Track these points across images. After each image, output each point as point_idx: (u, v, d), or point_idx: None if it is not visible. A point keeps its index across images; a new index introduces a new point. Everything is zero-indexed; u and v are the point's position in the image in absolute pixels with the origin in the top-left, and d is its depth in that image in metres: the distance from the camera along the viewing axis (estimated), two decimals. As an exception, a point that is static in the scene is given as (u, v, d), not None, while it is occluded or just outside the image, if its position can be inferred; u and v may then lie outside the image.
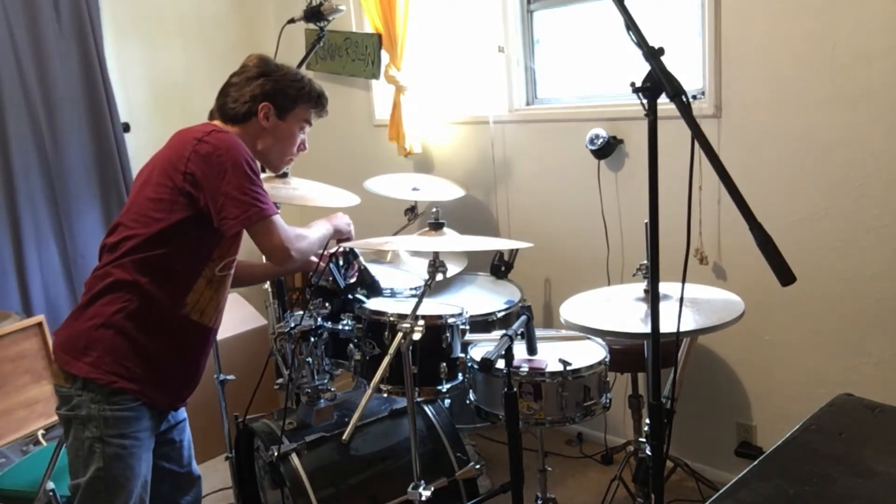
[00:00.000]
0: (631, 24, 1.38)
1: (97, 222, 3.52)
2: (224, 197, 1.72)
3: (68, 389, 1.76)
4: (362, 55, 3.67)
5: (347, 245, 2.23)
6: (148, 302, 1.77)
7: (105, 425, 1.74)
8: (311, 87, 2.01)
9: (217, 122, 1.94)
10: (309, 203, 2.57)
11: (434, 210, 2.34)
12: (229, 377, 2.61)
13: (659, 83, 1.35)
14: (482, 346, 2.26)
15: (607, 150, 2.88)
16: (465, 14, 3.43)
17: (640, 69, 1.37)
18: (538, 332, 2.17)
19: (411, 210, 3.23)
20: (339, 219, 2.17)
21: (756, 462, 1.28)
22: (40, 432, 2.57)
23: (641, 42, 1.37)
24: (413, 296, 2.53)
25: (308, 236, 1.97)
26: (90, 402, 1.73)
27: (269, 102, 1.92)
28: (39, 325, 2.72)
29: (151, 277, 1.76)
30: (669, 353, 2.10)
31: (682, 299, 1.56)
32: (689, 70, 2.70)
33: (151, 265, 1.76)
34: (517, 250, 3.00)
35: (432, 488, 2.02)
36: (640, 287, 2.14)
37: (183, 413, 2.08)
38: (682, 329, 1.68)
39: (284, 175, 2.48)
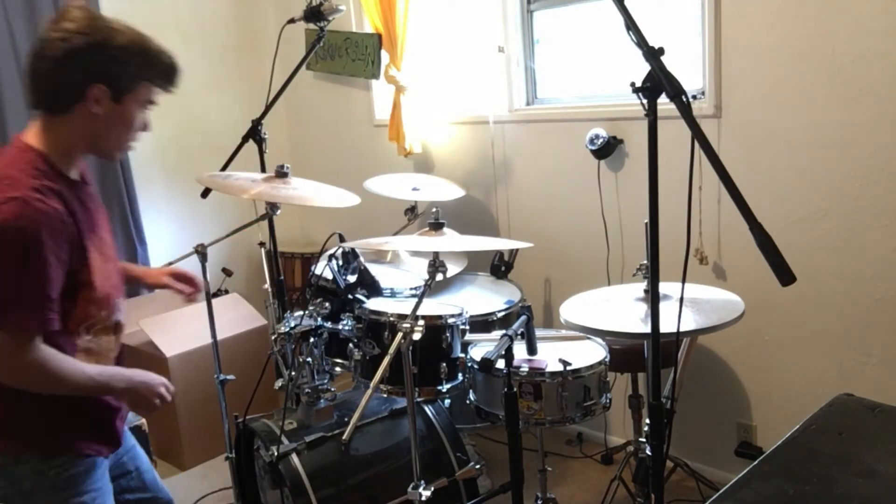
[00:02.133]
0: (631, 24, 1.38)
1: (97, 222, 3.51)
2: None
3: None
4: (362, 55, 3.67)
5: (347, 245, 2.23)
6: None
7: (57, 491, 1.55)
8: (158, 57, 1.53)
9: (35, 123, 1.52)
10: (309, 203, 2.56)
11: (434, 210, 2.33)
12: (229, 377, 2.61)
13: (659, 83, 1.35)
14: (482, 346, 2.26)
15: (607, 150, 2.88)
16: (465, 14, 3.43)
17: (640, 69, 1.37)
18: (538, 332, 2.17)
19: (411, 210, 3.23)
20: (142, 380, 1.63)
21: (756, 462, 1.28)
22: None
23: (641, 42, 1.37)
24: (413, 296, 2.53)
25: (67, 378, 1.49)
26: (31, 473, 1.53)
27: (103, 83, 1.46)
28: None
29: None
30: (669, 353, 2.10)
31: (682, 299, 1.56)
32: (689, 70, 2.70)
33: None
34: (517, 250, 3.00)
35: (432, 488, 2.01)
36: (640, 287, 2.14)
37: (130, 439, 1.85)
38: (682, 329, 1.68)
39: (284, 175, 2.47)
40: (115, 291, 1.63)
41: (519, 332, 1.96)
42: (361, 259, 2.41)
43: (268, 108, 2.66)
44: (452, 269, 2.78)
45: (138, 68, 1.50)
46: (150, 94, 1.56)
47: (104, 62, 1.46)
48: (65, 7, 1.47)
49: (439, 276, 2.05)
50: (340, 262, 2.42)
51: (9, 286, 1.38)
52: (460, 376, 2.25)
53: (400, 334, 1.97)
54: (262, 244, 2.86)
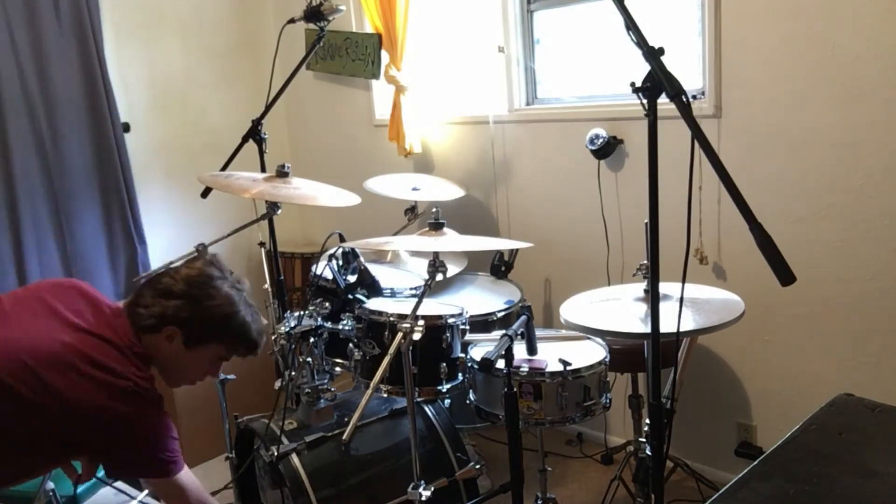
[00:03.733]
0: (631, 24, 1.38)
1: (97, 222, 3.51)
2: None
3: None
4: (362, 55, 3.67)
5: (347, 245, 2.23)
6: None
7: None
8: (241, 329, 1.75)
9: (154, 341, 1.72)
10: (309, 203, 2.57)
11: (434, 210, 2.33)
12: (229, 377, 2.61)
13: (659, 83, 1.35)
14: (482, 346, 2.26)
15: (607, 150, 2.88)
16: (465, 14, 3.43)
17: (640, 69, 1.37)
18: (538, 332, 2.17)
19: (411, 210, 3.23)
20: None
21: (756, 462, 1.28)
22: (40, 432, 2.57)
23: (641, 42, 1.37)
24: (413, 296, 2.53)
25: None
26: None
27: (179, 328, 1.69)
28: (39, 325, 2.71)
29: None
30: (669, 353, 2.09)
31: (682, 299, 1.56)
32: (689, 70, 2.70)
33: None
34: (517, 250, 3.00)
35: (432, 488, 2.01)
36: (640, 287, 2.14)
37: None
38: (682, 329, 1.68)
39: (285, 174, 2.47)
40: None
41: (519, 332, 1.96)
42: (361, 259, 2.41)
43: (268, 108, 2.66)
44: (452, 269, 2.77)
45: (216, 331, 1.71)
46: (222, 353, 1.76)
47: (188, 315, 1.68)
48: (200, 255, 1.86)
49: (439, 276, 2.05)
50: (340, 262, 2.42)
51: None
52: (460, 376, 2.25)
53: (400, 334, 1.97)
54: (262, 244, 2.86)
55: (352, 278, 2.40)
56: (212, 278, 1.72)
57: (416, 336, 1.97)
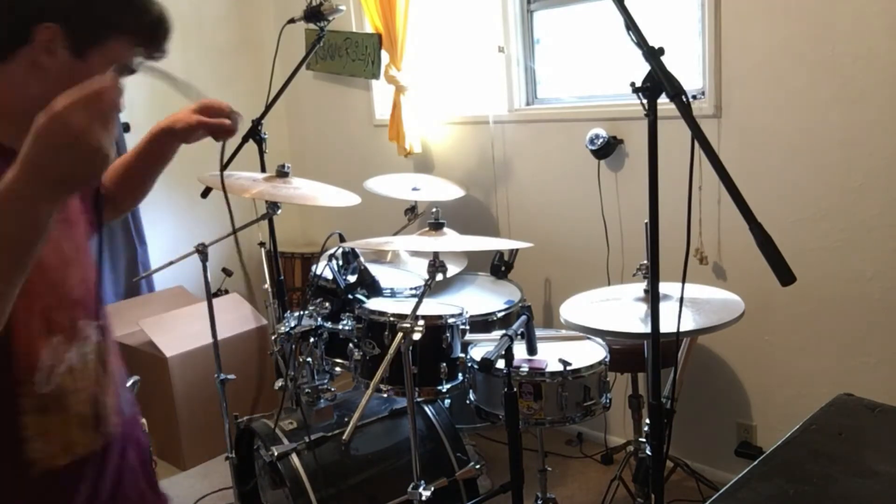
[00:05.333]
0: (631, 24, 1.38)
1: (97, 222, 3.51)
2: None
3: None
4: (362, 55, 3.67)
5: (347, 245, 2.22)
6: None
7: None
8: (140, 1, 1.07)
9: None
10: (309, 203, 2.57)
11: (434, 210, 2.33)
12: (229, 377, 2.61)
13: (659, 83, 1.35)
14: (482, 346, 2.26)
15: (607, 150, 2.88)
16: (465, 14, 3.43)
17: (640, 69, 1.37)
18: (538, 332, 2.17)
19: (411, 210, 3.23)
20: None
21: (756, 462, 1.28)
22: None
23: (641, 42, 1.37)
24: (413, 296, 2.53)
25: None
26: None
27: (58, 23, 0.99)
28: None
29: None
30: (669, 353, 2.10)
31: (682, 299, 1.56)
32: (689, 70, 2.70)
33: None
34: (517, 250, 3.00)
35: (432, 488, 2.02)
36: (640, 287, 2.14)
37: None
38: (682, 329, 1.68)
39: (285, 174, 2.47)
40: (76, 306, 1.12)
41: (519, 332, 1.96)
42: (361, 259, 2.41)
43: (268, 108, 2.66)
44: (452, 269, 2.77)
45: (112, 11, 1.04)
46: (126, 54, 1.07)
47: None
48: None
49: (439, 276, 2.05)
50: (340, 262, 2.42)
51: None
52: (460, 376, 2.25)
53: (400, 334, 1.97)
54: (262, 244, 2.86)
55: (352, 278, 2.40)
56: None
57: (416, 336, 1.97)
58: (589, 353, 2.15)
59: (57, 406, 1.08)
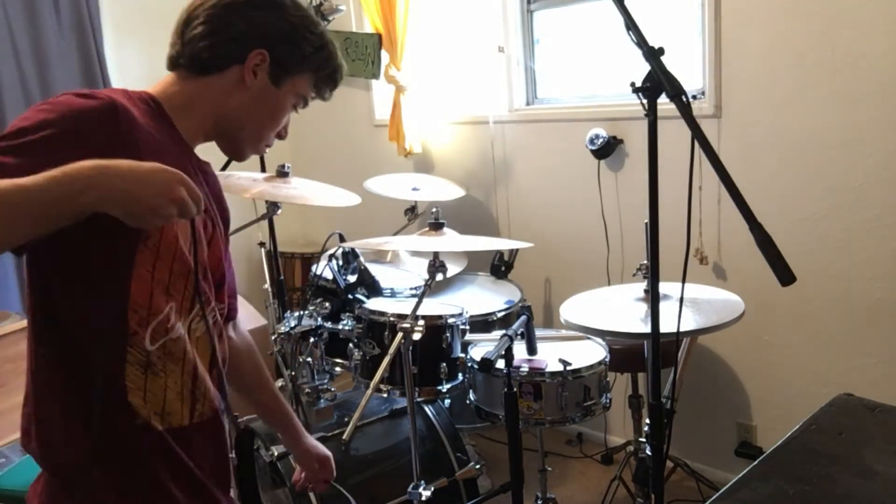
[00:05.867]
0: (631, 24, 1.38)
1: (97, 222, 3.52)
2: None
3: None
4: (362, 55, 3.66)
5: (347, 245, 2.22)
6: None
7: None
8: (331, 48, 1.26)
9: (166, 79, 1.22)
10: (309, 202, 2.57)
11: (434, 210, 2.34)
12: (229, 377, 2.60)
13: (659, 83, 1.35)
14: (482, 346, 2.26)
15: (607, 150, 2.88)
16: (465, 14, 3.43)
17: (640, 69, 1.37)
18: (538, 332, 2.17)
19: (411, 210, 3.23)
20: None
21: (756, 462, 1.28)
22: (40, 432, 2.57)
23: (641, 42, 1.37)
24: (413, 296, 2.53)
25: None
26: None
27: (269, 51, 1.18)
28: (39, 325, 2.71)
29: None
30: (669, 353, 2.10)
31: (682, 299, 1.56)
32: (689, 70, 2.70)
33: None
34: (517, 250, 3.00)
35: (432, 488, 2.02)
36: (640, 287, 2.14)
37: None
38: (682, 329, 1.68)
39: (285, 174, 2.47)
40: (201, 283, 1.18)
41: (519, 332, 1.96)
42: (361, 259, 2.41)
43: (268, 108, 2.65)
44: (452, 269, 2.77)
45: (310, 53, 1.23)
46: (307, 90, 1.29)
47: (279, 27, 1.19)
48: None
49: (439, 276, 2.05)
50: (340, 262, 2.42)
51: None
52: (460, 376, 2.25)
53: (400, 334, 1.98)
54: (262, 244, 2.86)
55: (352, 278, 2.40)
56: None
57: (416, 336, 1.97)
58: (589, 353, 2.15)
59: (158, 368, 1.13)
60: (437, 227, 2.15)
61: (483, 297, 2.84)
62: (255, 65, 1.18)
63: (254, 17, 1.18)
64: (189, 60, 1.19)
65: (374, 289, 2.43)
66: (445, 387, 2.21)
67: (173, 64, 1.21)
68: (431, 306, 2.33)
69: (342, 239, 2.38)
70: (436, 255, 2.06)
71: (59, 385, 1.11)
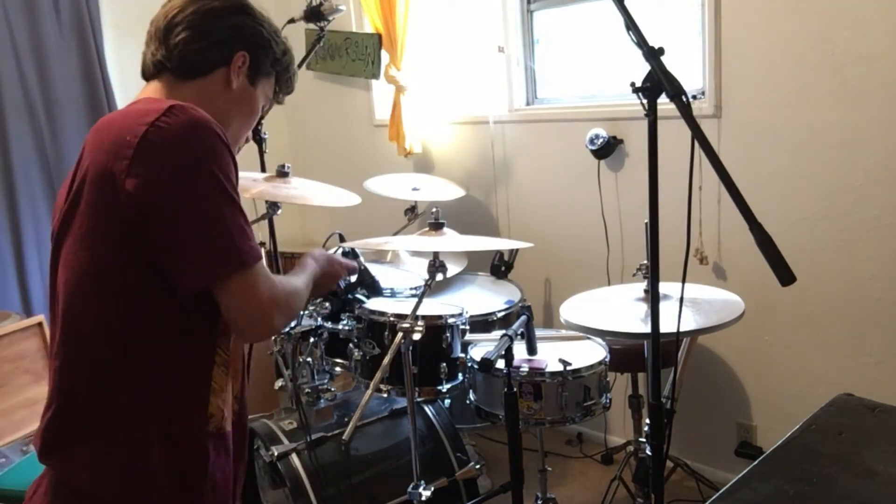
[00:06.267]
0: (631, 24, 1.38)
1: (97, 222, 3.52)
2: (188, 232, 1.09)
3: None
4: (362, 55, 3.67)
5: (347, 245, 2.22)
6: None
7: None
8: (292, 55, 1.40)
9: (155, 87, 1.25)
10: (309, 202, 2.57)
11: (434, 210, 2.33)
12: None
13: (659, 83, 1.35)
14: (482, 346, 2.26)
15: (607, 150, 2.88)
16: (465, 14, 3.43)
17: (640, 69, 1.37)
18: (538, 332, 2.17)
19: (411, 210, 3.23)
20: (318, 258, 1.52)
21: (756, 462, 1.28)
22: (40, 432, 2.57)
23: (641, 42, 1.37)
24: (413, 296, 2.53)
25: (298, 288, 1.33)
26: None
27: (249, 53, 1.27)
28: (39, 325, 2.72)
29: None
30: (669, 353, 2.10)
31: (682, 299, 1.56)
32: (689, 70, 2.70)
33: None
34: (517, 250, 3.00)
35: (432, 488, 2.02)
36: (640, 287, 2.14)
37: None
38: (682, 329, 1.68)
39: (285, 174, 2.47)
40: None
41: (519, 332, 1.95)
42: (361, 259, 2.40)
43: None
44: (452, 269, 2.77)
45: (280, 56, 1.34)
46: (270, 91, 1.37)
47: (255, 31, 1.29)
48: None
49: (439, 276, 2.05)
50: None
51: (230, 202, 1.10)
52: (460, 376, 2.25)
53: (400, 334, 1.98)
54: (262, 244, 2.85)
55: (352, 278, 2.40)
56: None
57: (416, 336, 1.97)
58: (589, 353, 2.15)
59: (231, 371, 1.23)
60: (437, 227, 2.15)
61: (483, 297, 2.84)
62: (238, 66, 1.27)
63: (233, 22, 1.26)
64: (177, 65, 1.24)
65: (374, 289, 2.43)
66: (445, 387, 2.21)
67: (158, 70, 1.26)
68: (431, 306, 2.33)
69: (342, 239, 2.38)
70: (436, 255, 2.06)
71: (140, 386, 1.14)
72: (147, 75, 1.28)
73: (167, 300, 1.12)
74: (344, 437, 2.04)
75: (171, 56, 1.24)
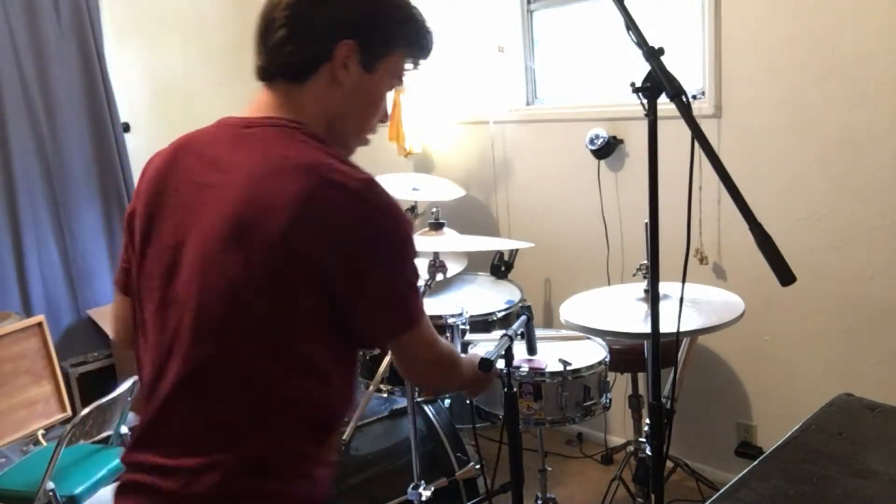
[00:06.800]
0: (631, 24, 1.38)
1: (97, 222, 3.52)
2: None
3: None
4: (362, 55, 3.66)
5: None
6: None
7: None
8: (416, 15, 1.19)
9: (267, 98, 1.18)
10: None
11: (434, 210, 2.33)
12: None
13: (659, 83, 1.35)
14: (482, 346, 2.26)
15: (607, 150, 2.88)
16: (465, 14, 3.43)
17: (640, 69, 1.37)
18: (538, 332, 2.17)
19: (411, 210, 3.23)
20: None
21: (756, 462, 1.28)
22: (40, 432, 2.57)
23: (641, 42, 1.37)
24: (413, 296, 2.53)
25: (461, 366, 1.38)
26: None
27: (355, 40, 1.12)
28: (39, 325, 2.72)
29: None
30: (669, 353, 2.09)
31: (682, 299, 1.56)
32: (689, 70, 2.70)
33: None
34: (517, 250, 3.00)
35: (432, 488, 2.02)
36: (640, 287, 2.14)
37: None
38: (682, 329, 1.68)
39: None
40: None
41: (519, 332, 1.95)
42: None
43: (268, 108, 2.65)
44: (452, 269, 2.77)
45: (397, 30, 1.16)
46: (402, 67, 1.22)
47: (360, 12, 1.12)
48: None
49: (439, 276, 2.05)
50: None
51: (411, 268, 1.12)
52: (460, 376, 2.24)
53: (400, 334, 1.97)
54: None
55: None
56: None
57: (416, 336, 1.96)
58: (589, 353, 2.15)
59: None
60: (437, 227, 2.15)
61: (483, 297, 2.84)
62: (344, 58, 1.12)
63: (332, 8, 1.11)
64: (281, 69, 1.14)
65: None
66: (445, 387, 2.21)
67: (267, 75, 1.17)
68: (431, 306, 2.33)
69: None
70: (436, 255, 2.06)
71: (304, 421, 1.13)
72: (260, 77, 1.19)
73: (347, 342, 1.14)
74: (344, 438, 2.04)
75: (273, 61, 1.14)
